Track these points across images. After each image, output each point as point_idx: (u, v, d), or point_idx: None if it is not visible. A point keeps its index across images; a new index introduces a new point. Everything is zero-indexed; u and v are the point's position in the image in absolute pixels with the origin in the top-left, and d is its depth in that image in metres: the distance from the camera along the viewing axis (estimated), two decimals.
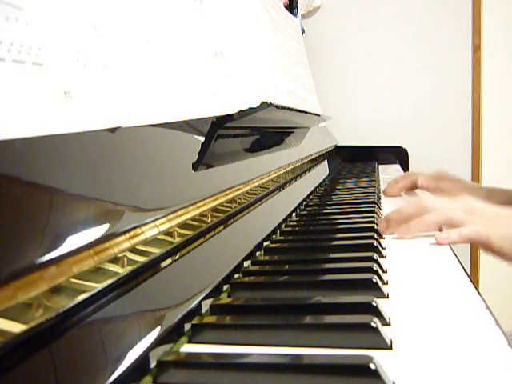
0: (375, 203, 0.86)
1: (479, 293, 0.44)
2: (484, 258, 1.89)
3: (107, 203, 0.30)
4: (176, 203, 0.39)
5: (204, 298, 0.40)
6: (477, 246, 0.65)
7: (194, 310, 0.38)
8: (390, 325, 0.37)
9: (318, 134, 1.35)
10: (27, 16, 0.30)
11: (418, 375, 0.29)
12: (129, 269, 0.31)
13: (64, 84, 0.32)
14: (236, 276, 0.49)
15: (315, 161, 1.19)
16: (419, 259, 0.57)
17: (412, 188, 1.09)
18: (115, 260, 0.30)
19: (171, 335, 0.34)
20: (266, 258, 0.57)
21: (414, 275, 0.50)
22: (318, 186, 1.12)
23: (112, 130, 0.35)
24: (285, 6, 1.55)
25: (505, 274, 1.90)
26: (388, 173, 1.48)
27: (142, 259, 0.33)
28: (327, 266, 0.51)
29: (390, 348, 0.33)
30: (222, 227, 0.49)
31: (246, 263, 0.53)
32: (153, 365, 0.31)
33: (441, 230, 0.67)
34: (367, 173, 1.41)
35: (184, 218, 0.40)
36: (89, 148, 0.32)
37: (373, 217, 0.73)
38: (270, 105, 0.56)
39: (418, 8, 1.88)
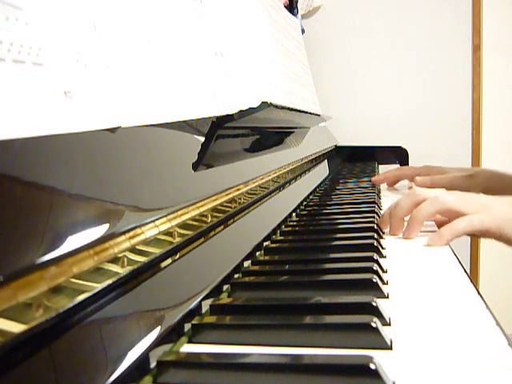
0: (375, 203, 0.86)
1: (479, 293, 0.44)
2: (484, 257, 1.89)
3: (107, 203, 0.30)
4: (176, 203, 0.39)
5: (204, 298, 0.40)
6: (477, 246, 0.66)
7: (193, 309, 0.38)
8: (390, 325, 0.37)
9: (317, 133, 1.35)
10: (27, 16, 0.30)
11: (418, 375, 0.29)
12: (129, 269, 0.31)
13: (64, 84, 0.32)
14: (236, 276, 0.49)
15: (315, 161, 1.19)
16: (419, 259, 0.57)
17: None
18: (115, 260, 0.30)
19: (171, 335, 0.34)
20: (266, 258, 0.57)
21: (413, 275, 0.50)
22: (318, 186, 1.12)
23: (112, 130, 0.35)
24: (285, 6, 1.55)
25: (505, 274, 1.90)
26: None
27: (142, 259, 0.33)
28: (327, 266, 0.51)
29: (390, 348, 0.33)
30: (222, 227, 0.49)
31: (246, 263, 0.53)
32: (153, 365, 0.31)
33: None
34: (367, 173, 1.41)
35: (184, 218, 0.40)
36: (89, 148, 0.32)
37: (373, 217, 0.73)
38: (270, 105, 0.56)
39: (417, 8, 1.88)
